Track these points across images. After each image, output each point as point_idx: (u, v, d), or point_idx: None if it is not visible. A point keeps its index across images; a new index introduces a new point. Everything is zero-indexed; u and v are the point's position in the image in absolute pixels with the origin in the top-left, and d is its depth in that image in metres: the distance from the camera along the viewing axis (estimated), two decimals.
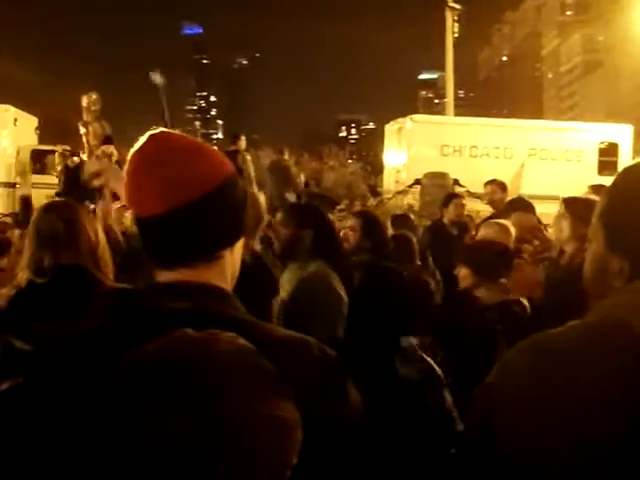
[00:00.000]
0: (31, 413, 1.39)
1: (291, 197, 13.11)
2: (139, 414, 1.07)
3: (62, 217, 3.06)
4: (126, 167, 1.54)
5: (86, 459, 1.17)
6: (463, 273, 4.57)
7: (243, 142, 14.04)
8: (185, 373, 1.09)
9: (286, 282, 4.15)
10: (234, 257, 1.59)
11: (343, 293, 3.95)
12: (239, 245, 1.60)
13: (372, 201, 19.55)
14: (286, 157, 15.10)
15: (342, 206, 16.16)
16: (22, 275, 2.86)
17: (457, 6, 26.87)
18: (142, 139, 1.54)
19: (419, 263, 5.91)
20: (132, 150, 1.54)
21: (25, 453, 1.36)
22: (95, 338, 1.45)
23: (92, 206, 5.54)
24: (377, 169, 30.44)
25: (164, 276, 1.53)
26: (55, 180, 20.06)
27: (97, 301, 2.45)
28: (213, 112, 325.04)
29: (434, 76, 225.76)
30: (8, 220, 12.44)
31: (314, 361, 1.39)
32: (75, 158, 14.97)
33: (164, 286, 1.52)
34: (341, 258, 4.45)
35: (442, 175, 15.83)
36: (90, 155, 23.16)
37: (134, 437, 1.06)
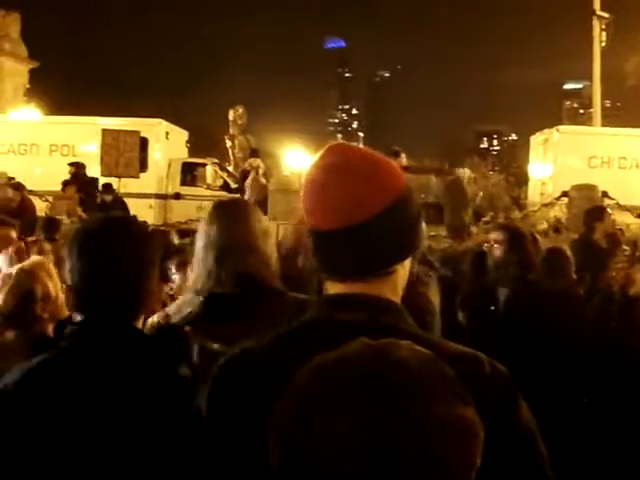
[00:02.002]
0: (224, 410, 1.47)
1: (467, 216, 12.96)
2: (327, 414, 1.10)
3: (237, 223, 2.84)
4: (305, 178, 1.57)
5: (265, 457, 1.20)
6: None
7: (404, 159, 14.15)
8: (370, 376, 1.11)
9: None
10: (405, 271, 1.59)
11: None
12: (409, 260, 1.60)
13: (517, 214, 19.18)
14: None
15: (487, 218, 15.91)
16: (198, 282, 2.75)
17: (605, 14, 26.03)
18: (322, 152, 1.56)
19: (574, 277, 5.72)
20: (312, 162, 1.57)
21: (220, 446, 1.45)
22: (279, 344, 1.52)
23: None
24: (520, 181, 29.83)
25: (337, 288, 1.55)
26: (204, 192, 20.84)
27: (279, 310, 2.43)
28: (354, 125, 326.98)
29: (579, 86, 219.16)
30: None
31: (486, 376, 1.39)
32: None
33: (339, 298, 1.54)
34: None
35: (591, 187, 15.35)
36: (236, 167, 23.83)
37: (322, 436, 1.08)
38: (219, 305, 2.62)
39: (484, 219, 15.84)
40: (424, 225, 1.67)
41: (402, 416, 1.08)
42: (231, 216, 2.84)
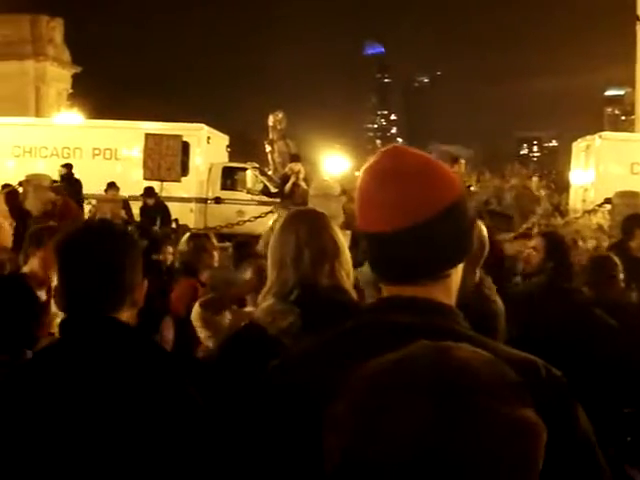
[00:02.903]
0: (278, 408, 1.49)
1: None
2: (390, 416, 1.10)
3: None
4: (360, 182, 1.57)
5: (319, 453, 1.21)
6: None
7: (462, 165, 14.11)
8: (434, 377, 1.11)
9: None
10: (458, 276, 1.59)
11: None
12: (461, 265, 1.60)
13: (559, 220, 19.00)
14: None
15: (529, 224, 15.79)
16: (283, 288, 2.66)
17: None
18: (377, 155, 1.56)
19: (623, 285, 5.63)
20: (366, 165, 1.57)
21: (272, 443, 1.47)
22: (334, 345, 1.53)
23: None
24: (561, 187, 29.54)
25: (391, 291, 1.56)
26: (244, 196, 20.95)
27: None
28: (393, 130, 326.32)
29: (621, 92, 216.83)
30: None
31: (542, 380, 1.38)
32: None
33: (394, 301, 1.54)
34: None
35: (634, 194, 15.14)
36: (275, 172, 23.91)
37: (385, 437, 1.08)
38: (317, 317, 2.45)
39: (525, 226, 15.71)
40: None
41: (468, 417, 1.07)
42: (319, 223, 2.78)
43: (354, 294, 2.78)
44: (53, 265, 2.23)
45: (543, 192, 27.64)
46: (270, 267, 2.77)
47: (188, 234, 6.66)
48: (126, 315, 2.18)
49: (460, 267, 1.60)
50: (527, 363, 1.41)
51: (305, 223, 2.75)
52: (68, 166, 18.13)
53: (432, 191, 1.50)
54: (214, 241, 6.35)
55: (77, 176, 18.03)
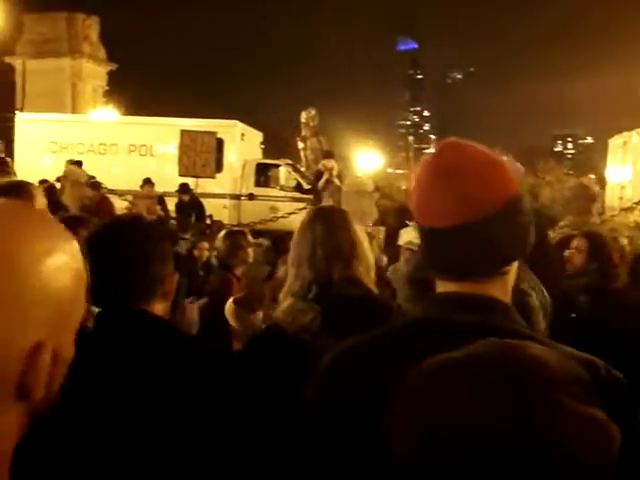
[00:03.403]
0: (332, 404, 1.49)
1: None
2: (461, 413, 1.08)
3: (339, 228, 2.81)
4: (418, 175, 1.56)
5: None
6: None
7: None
8: (507, 374, 1.09)
9: None
10: (514, 274, 1.58)
11: None
12: (517, 262, 1.58)
13: (595, 218, 18.82)
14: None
15: (566, 222, 15.64)
16: (302, 285, 2.69)
17: None
18: (436, 148, 1.55)
19: None
20: (425, 158, 1.56)
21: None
22: (388, 341, 1.53)
23: None
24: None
25: (448, 287, 1.55)
26: (277, 193, 21.00)
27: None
28: (426, 127, 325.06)
29: None
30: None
31: (603, 380, 1.35)
32: None
33: (451, 297, 1.53)
34: None
35: None
36: (307, 169, 23.91)
37: (456, 435, 1.07)
38: (336, 313, 2.52)
39: (561, 223, 15.58)
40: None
41: (546, 412, 1.06)
42: (335, 221, 2.80)
43: (374, 288, 2.80)
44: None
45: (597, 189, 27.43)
46: (289, 265, 2.83)
47: (224, 231, 6.74)
48: (158, 307, 2.19)
49: (516, 264, 1.58)
50: (588, 363, 1.37)
51: (321, 221, 2.79)
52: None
53: (494, 186, 1.49)
54: (249, 238, 6.42)
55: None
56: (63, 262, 0.91)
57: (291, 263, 2.79)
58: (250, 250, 6.31)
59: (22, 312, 0.84)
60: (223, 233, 6.49)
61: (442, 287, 1.56)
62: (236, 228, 8.07)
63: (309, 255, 2.72)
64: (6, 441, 0.88)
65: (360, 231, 2.85)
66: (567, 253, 5.33)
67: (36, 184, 5.13)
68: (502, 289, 1.54)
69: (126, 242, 2.19)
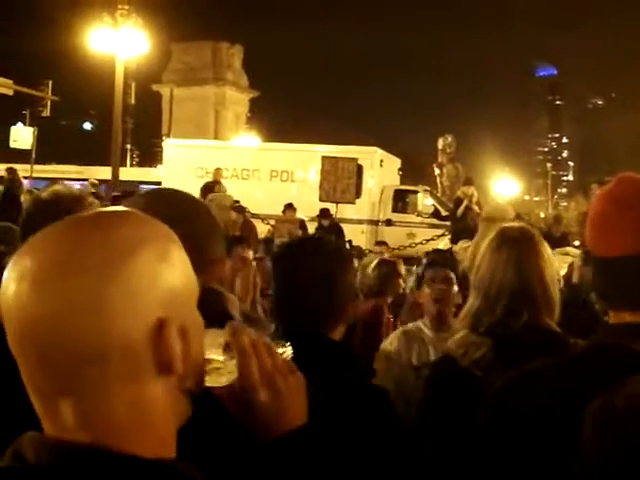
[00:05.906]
0: (507, 428, 1.55)
1: None
2: None
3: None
4: (594, 207, 1.63)
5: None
6: None
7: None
8: None
9: None
10: None
11: None
12: None
13: None
14: None
15: None
16: (478, 316, 2.54)
17: None
18: (614, 182, 1.61)
19: None
20: (603, 191, 1.62)
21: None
22: (566, 369, 1.58)
23: None
24: None
25: (622, 317, 1.57)
26: (414, 219, 20.98)
27: None
28: (564, 154, 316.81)
29: None
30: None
31: None
32: None
33: (630, 327, 1.55)
34: None
35: None
36: (443, 195, 23.74)
37: None
38: (510, 351, 2.32)
39: None
40: None
41: None
42: (525, 250, 2.52)
43: (555, 327, 2.51)
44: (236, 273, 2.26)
45: None
46: (471, 288, 2.65)
47: (378, 259, 6.73)
48: (338, 332, 2.18)
49: None
50: None
51: (512, 247, 2.52)
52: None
53: None
54: (402, 268, 6.41)
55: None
56: (165, 253, 0.99)
57: (473, 287, 2.62)
58: (401, 281, 6.26)
59: (139, 296, 0.94)
60: (377, 261, 6.46)
61: (617, 318, 1.59)
62: (389, 257, 8.01)
63: (484, 290, 2.53)
64: (155, 407, 0.97)
65: (551, 264, 2.57)
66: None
67: None
68: None
69: (315, 266, 2.15)
